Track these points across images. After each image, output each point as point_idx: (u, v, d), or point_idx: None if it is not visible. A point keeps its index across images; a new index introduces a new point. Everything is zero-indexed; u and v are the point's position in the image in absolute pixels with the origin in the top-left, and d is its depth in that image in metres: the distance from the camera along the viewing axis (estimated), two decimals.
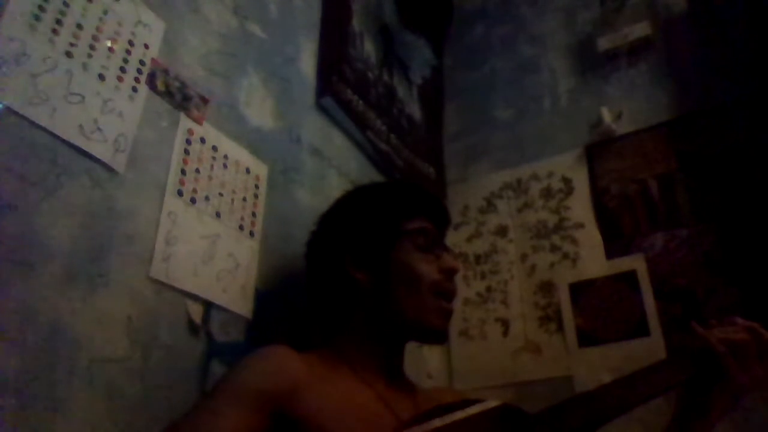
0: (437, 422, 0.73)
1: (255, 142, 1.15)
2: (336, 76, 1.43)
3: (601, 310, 1.49)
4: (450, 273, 0.94)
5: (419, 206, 0.99)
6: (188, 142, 1.00)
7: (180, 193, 0.96)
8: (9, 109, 0.74)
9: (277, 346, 0.85)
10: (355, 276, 0.94)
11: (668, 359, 0.91)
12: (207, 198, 1.01)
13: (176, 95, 1.00)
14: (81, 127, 0.82)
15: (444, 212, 1.04)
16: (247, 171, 1.12)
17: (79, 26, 0.85)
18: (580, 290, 1.54)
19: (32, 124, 0.76)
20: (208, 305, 0.96)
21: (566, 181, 1.70)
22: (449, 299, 0.94)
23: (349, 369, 0.89)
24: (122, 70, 0.91)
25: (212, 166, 1.04)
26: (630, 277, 1.48)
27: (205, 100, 1.05)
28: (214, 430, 0.72)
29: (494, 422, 0.76)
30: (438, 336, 0.94)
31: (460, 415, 0.74)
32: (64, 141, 0.80)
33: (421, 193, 1.04)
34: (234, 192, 1.07)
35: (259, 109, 1.19)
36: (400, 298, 0.91)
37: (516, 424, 0.76)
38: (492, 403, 0.77)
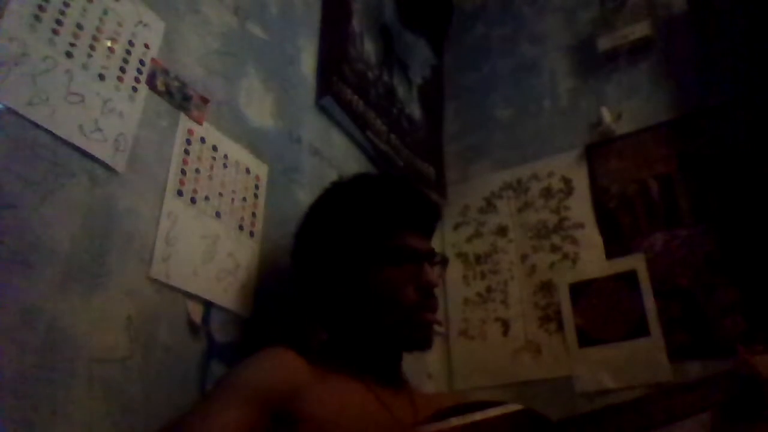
0: (455, 421, 0.72)
1: (255, 142, 1.15)
2: (336, 76, 1.43)
3: (601, 310, 1.49)
4: (429, 288, 0.92)
5: (400, 221, 0.95)
6: (188, 142, 1.00)
7: (180, 193, 0.96)
8: (9, 109, 0.74)
9: (279, 346, 0.86)
10: (337, 291, 0.94)
11: (707, 379, 0.85)
12: (207, 198, 1.01)
13: (176, 95, 1.00)
14: (81, 127, 0.82)
15: (429, 216, 1.01)
16: (247, 171, 1.11)
17: (79, 26, 0.85)
18: (580, 290, 1.54)
19: (32, 124, 0.76)
20: (208, 305, 0.96)
21: (566, 181, 1.70)
22: (431, 311, 0.93)
23: (348, 371, 0.89)
24: (122, 70, 0.91)
25: (212, 166, 1.04)
26: (630, 277, 1.48)
27: (205, 100, 1.05)
28: (214, 426, 0.72)
29: (515, 426, 0.75)
30: (421, 346, 0.93)
31: (479, 416, 0.73)
32: (64, 141, 0.79)
33: (403, 203, 0.97)
34: (234, 192, 1.07)
35: (259, 109, 1.19)
36: (380, 314, 0.91)
37: (537, 430, 0.75)
38: (514, 407, 0.76)
